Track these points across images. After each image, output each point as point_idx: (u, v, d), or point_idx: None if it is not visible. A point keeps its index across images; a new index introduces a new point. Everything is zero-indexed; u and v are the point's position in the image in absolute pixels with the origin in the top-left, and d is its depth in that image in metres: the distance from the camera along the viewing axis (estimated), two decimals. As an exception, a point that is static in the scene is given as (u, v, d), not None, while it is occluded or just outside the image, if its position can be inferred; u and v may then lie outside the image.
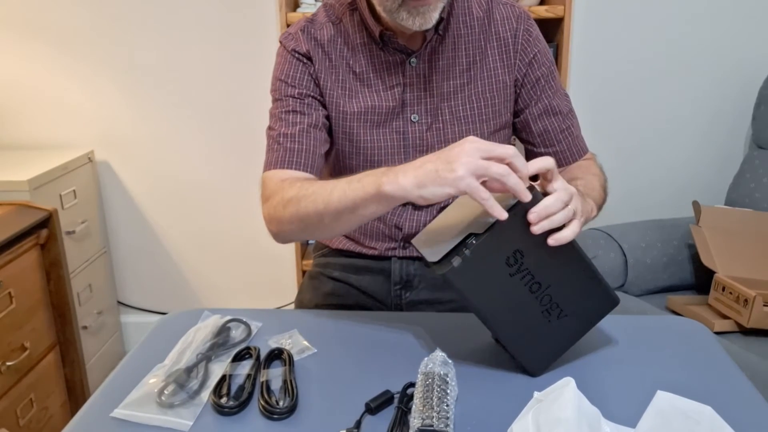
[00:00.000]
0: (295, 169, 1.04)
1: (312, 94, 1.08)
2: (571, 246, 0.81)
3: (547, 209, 0.77)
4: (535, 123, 1.11)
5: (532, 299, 0.83)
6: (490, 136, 1.10)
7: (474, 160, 0.76)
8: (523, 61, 1.09)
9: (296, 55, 1.08)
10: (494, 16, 1.09)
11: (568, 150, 1.13)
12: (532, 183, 0.80)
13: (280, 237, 1.02)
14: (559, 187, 0.80)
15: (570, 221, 0.80)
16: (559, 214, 0.78)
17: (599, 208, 1.03)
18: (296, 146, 1.04)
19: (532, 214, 0.77)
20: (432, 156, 0.81)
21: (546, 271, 0.82)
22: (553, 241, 0.79)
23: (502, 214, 0.76)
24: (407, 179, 0.81)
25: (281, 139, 1.05)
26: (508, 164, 0.77)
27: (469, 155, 0.77)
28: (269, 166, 1.06)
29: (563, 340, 0.86)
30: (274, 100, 1.10)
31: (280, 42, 1.11)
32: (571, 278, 0.84)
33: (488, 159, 0.77)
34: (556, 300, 0.84)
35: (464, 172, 0.76)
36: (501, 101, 1.10)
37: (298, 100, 1.07)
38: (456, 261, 0.79)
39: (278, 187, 1.00)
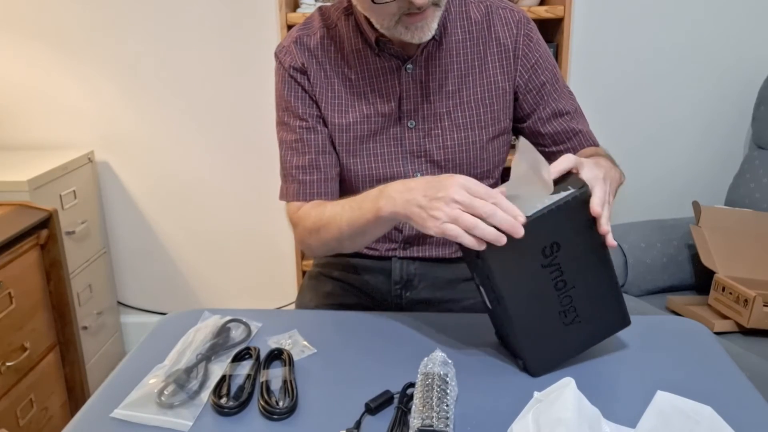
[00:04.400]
0: (311, 200, 1.09)
1: (316, 113, 1.09)
2: (605, 253, 0.83)
3: (603, 199, 0.79)
4: (544, 127, 1.11)
5: (555, 296, 0.83)
6: (488, 142, 1.09)
7: (451, 211, 0.78)
8: (524, 67, 1.08)
9: (293, 72, 1.08)
10: (493, 21, 1.07)
11: (579, 146, 1.12)
12: (573, 173, 0.82)
13: (314, 255, 1.19)
14: (593, 177, 0.81)
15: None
16: (608, 206, 0.80)
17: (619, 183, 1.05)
18: (308, 177, 1.09)
19: (596, 206, 0.78)
20: (421, 184, 0.84)
21: (575, 271, 0.83)
22: (611, 241, 0.80)
23: (481, 246, 0.78)
24: (397, 207, 0.86)
25: (294, 171, 1.09)
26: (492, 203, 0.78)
27: (447, 202, 0.79)
28: (288, 197, 1.11)
29: (570, 346, 0.86)
30: (281, 123, 1.12)
31: (276, 56, 1.11)
32: (595, 286, 0.84)
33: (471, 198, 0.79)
34: (576, 303, 0.84)
35: (442, 222, 0.79)
36: (500, 108, 1.09)
37: (304, 128, 1.09)
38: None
39: (299, 218, 1.08)
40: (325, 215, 1.01)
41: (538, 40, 1.09)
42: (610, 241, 0.81)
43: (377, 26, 0.99)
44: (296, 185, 1.10)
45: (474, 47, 1.07)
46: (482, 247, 0.78)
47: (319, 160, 1.09)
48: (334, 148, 1.11)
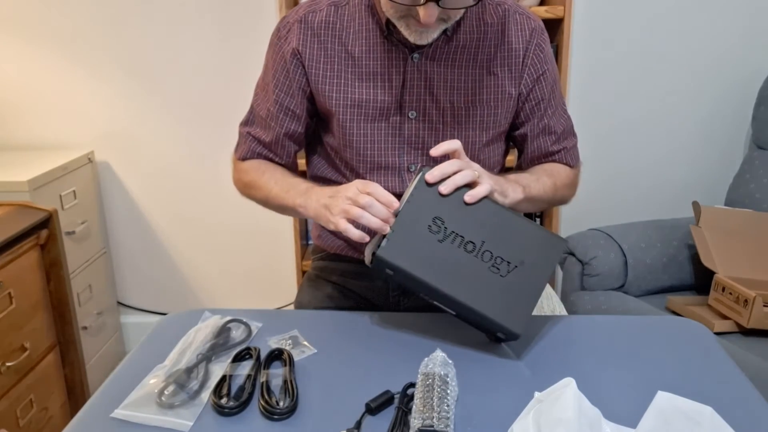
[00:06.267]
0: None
1: (294, 104, 1.09)
2: (488, 202, 0.89)
3: (442, 169, 0.89)
4: (531, 142, 1.12)
5: (473, 259, 0.87)
6: (486, 144, 1.09)
7: (343, 204, 0.91)
8: (531, 76, 1.07)
9: (288, 58, 1.07)
10: (508, 25, 1.06)
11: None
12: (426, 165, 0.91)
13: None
14: (458, 157, 0.92)
15: (479, 181, 0.90)
16: (460, 173, 0.89)
17: (541, 199, 1.06)
18: (265, 153, 1.14)
19: (429, 175, 0.88)
20: (331, 190, 0.97)
21: (472, 229, 0.87)
22: (469, 197, 0.89)
23: (364, 238, 0.90)
24: (309, 211, 0.99)
25: (253, 144, 1.14)
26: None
27: (342, 199, 0.92)
28: (237, 152, 1.17)
29: (527, 290, 0.88)
30: (260, 90, 1.14)
31: (277, 31, 1.09)
32: (503, 231, 0.88)
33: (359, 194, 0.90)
34: (498, 254, 0.87)
35: (339, 217, 0.91)
36: (503, 112, 1.08)
37: (278, 106, 1.10)
38: (383, 242, 0.86)
39: (240, 168, 1.16)
40: (261, 180, 1.10)
41: (549, 53, 1.09)
42: (467, 197, 0.89)
43: (384, 10, 0.98)
44: (248, 150, 1.15)
45: (485, 48, 1.05)
46: (365, 239, 0.90)
47: (279, 141, 1.12)
48: (332, 131, 1.09)
